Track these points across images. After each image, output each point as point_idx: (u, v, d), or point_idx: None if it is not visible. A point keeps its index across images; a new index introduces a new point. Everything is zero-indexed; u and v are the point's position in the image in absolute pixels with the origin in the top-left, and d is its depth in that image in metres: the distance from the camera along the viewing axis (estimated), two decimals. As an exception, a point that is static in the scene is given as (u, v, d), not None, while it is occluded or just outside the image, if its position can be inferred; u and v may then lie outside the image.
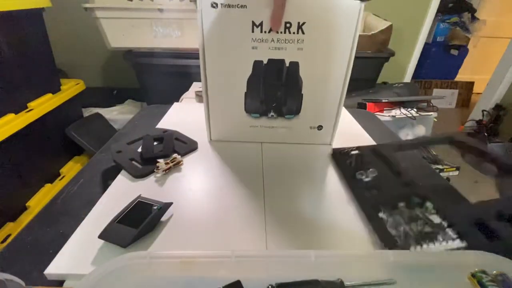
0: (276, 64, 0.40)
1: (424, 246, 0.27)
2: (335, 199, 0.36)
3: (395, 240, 0.27)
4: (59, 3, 1.26)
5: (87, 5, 1.08)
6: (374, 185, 0.35)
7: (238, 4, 0.36)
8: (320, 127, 0.47)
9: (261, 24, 0.37)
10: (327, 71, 0.41)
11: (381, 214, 0.31)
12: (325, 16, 0.37)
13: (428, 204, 0.32)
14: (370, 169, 0.38)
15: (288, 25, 0.38)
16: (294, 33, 0.38)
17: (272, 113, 0.45)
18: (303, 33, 0.38)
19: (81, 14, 1.17)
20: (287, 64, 0.41)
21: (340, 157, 0.43)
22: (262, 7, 0.36)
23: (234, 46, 0.39)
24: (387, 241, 0.28)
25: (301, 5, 0.36)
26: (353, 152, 0.43)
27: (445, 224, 0.29)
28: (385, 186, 0.35)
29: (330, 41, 0.39)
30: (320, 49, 0.39)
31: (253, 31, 0.38)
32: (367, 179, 0.37)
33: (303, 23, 0.37)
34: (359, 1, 0.36)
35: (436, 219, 0.30)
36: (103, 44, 1.20)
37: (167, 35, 1.17)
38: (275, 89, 0.43)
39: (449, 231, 0.28)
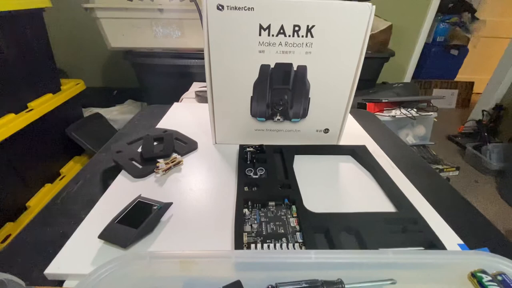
0: (283, 68, 0.40)
1: (270, 245, 0.28)
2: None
3: (242, 237, 0.29)
4: (59, 3, 1.26)
5: (87, 5, 1.08)
6: (256, 182, 0.37)
7: (245, 7, 0.35)
8: (326, 130, 0.46)
9: (268, 27, 0.37)
10: (335, 75, 0.41)
11: (245, 210, 0.32)
12: (335, 19, 0.36)
13: (293, 207, 0.33)
14: (259, 168, 0.40)
15: (297, 28, 0.37)
16: (303, 36, 0.37)
17: (278, 117, 0.45)
18: (312, 36, 0.37)
19: (81, 14, 1.18)
20: (295, 68, 0.40)
21: (242, 153, 0.43)
22: (270, 9, 0.35)
23: (240, 49, 0.38)
24: (237, 235, 0.29)
25: (311, 8, 0.35)
26: (248, 149, 0.44)
27: (297, 228, 0.30)
28: (265, 185, 0.36)
29: (340, 45, 0.38)
30: (329, 52, 0.39)
31: (260, 34, 0.37)
32: (255, 176, 0.38)
33: (313, 26, 0.37)
34: (370, 4, 0.35)
35: (293, 222, 0.31)
36: (103, 44, 1.20)
37: (167, 35, 1.17)
38: (282, 93, 0.42)
39: (298, 235, 0.29)
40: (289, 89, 0.42)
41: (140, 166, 0.40)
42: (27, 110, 0.93)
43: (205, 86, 0.42)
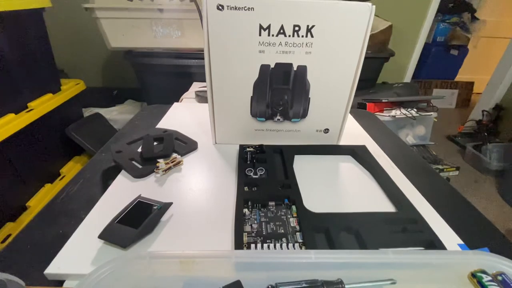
0: (283, 68, 0.40)
1: (270, 245, 0.28)
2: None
3: (242, 237, 0.28)
4: (59, 3, 1.26)
5: (87, 5, 1.08)
6: (256, 182, 0.37)
7: (245, 7, 0.35)
8: (326, 130, 0.46)
9: (268, 27, 0.36)
10: (335, 75, 0.41)
11: (245, 210, 0.32)
12: (335, 19, 0.36)
13: (293, 207, 0.33)
14: (259, 168, 0.40)
15: (297, 28, 0.37)
16: (303, 36, 0.37)
17: (278, 117, 0.45)
18: (312, 36, 0.37)
19: (81, 14, 1.18)
20: (295, 68, 0.40)
21: (242, 153, 0.43)
22: (270, 9, 0.35)
23: (240, 49, 0.38)
24: (237, 235, 0.29)
25: (310, 7, 0.35)
26: (248, 149, 0.44)
27: (297, 228, 0.30)
28: (265, 185, 0.36)
29: (340, 45, 0.38)
30: (329, 52, 0.39)
31: (260, 35, 0.37)
32: (255, 176, 0.38)
33: (313, 26, 0.37)
34: (370, 4, 0.35)
35: (293, 222, 0.31)
36: (103, 44, 1.20)
37: (167, 35, 1.17)
38: (282, 93, 0.42)
39: (298, 235, 0.29)
40: (289, 89, 0.42)
41: (140, 166, 0.40)
42: (27, 110, 0.93)
43: (205, 86, 0.42)
